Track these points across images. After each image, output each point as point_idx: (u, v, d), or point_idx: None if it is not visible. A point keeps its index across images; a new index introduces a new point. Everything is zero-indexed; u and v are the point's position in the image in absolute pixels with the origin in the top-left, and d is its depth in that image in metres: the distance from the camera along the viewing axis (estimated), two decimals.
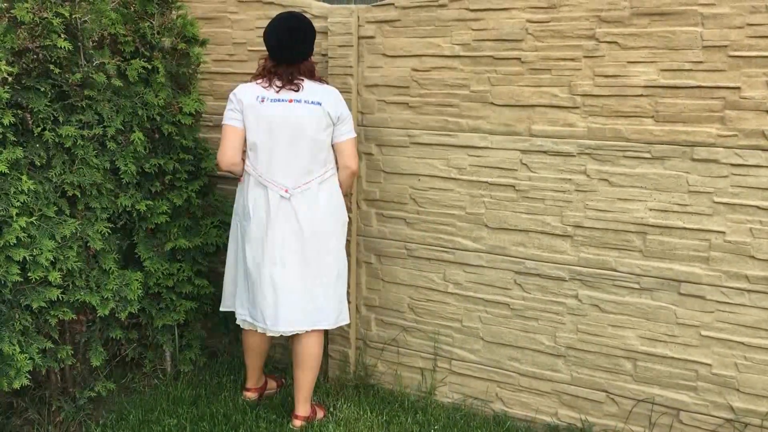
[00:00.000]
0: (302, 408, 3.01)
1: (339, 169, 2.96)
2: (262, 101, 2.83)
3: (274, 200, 2.84)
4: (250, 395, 3.23)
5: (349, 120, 2.91)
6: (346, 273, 3.05)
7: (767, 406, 2.65)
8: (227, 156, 2.86)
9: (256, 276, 2.89)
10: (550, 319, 2.98)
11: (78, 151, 2.78)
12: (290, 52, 2.83)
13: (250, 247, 2.90)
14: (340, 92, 3.08)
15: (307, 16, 3.23)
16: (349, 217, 3.29)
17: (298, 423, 3.00)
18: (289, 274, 2.86)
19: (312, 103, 2.83)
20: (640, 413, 2.87)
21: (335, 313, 2.99)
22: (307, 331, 2.95)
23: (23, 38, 2.60)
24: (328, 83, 2.99)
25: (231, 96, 2.88)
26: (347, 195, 3.17)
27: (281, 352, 3.62)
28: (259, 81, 2.89)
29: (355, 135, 2.95)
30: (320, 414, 3.11)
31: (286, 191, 2.83)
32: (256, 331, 3.01)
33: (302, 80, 2.87)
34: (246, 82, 2.95)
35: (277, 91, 2.84)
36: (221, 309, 3.14)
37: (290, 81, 2.85)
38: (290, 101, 2.83)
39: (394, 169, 3.21)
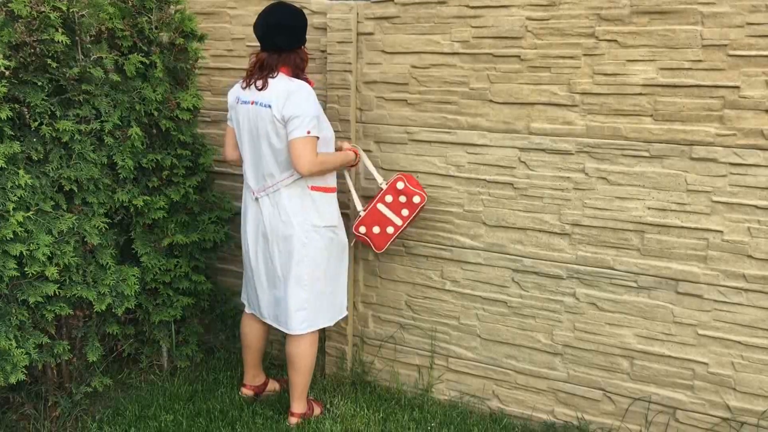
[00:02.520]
0: (296, 405, 3.02)
1: None
2: (237, 102, 2.87)
3: (249, 200, 2.95)
4: (246, 392, 3.23)
5: (299, 118, 2.69)
6: (321, 279, 2.91)
7: (763, 405, 2.66)
8: (225, 153, 3.04)
9: (247, 269, 3.07)
10: (548, 317, 2.98)
11: (75, 145, 2.77)
12: (270, 38, 2.77)
13: (243, 242, 3.06)
14: (339, 89, 3.08)
15: (306, 12, 3.23)
16: (347, 214, 3.28)
17: (293, 420, 3.00)
18: (260, 271, 2.98)
19: (264, 106, 2.75)
20: (637, 412, 2.87)
21: (302, 319, 2.90)
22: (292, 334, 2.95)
23: (20, 32, 2.59)
24: (306, 80, 2.82)
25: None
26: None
27: (278, 349, 3.62)
28: (243, 79, 2.87)
29: (305, 134, 2.69)
30: (317, 410, 3.11)
31: (253, 193, 2.90)
32: (251, 321, 3.13)
33: (274, 76, 2.77)
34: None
35: (247, 90, 2.80)
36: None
37: (263, 76, 2.77)
38: (252, 103, 2.79)
39: (392, 166, 3.20)
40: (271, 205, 2.86)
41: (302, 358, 2.96)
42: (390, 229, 3.02)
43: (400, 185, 3.00)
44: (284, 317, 2.92)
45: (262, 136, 2.78)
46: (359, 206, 3.09)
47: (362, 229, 3.04)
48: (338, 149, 3.03)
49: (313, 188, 2.86)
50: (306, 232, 2.84)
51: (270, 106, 2.73)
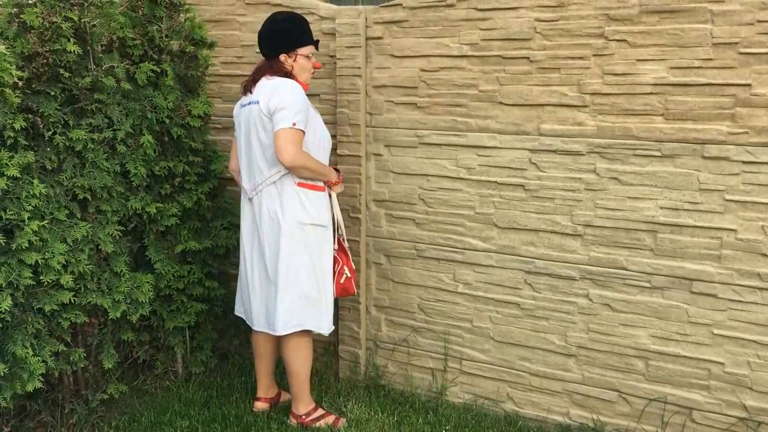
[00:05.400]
0: (295, 406, 3.05)
1: None
2: (240, 108, 2.93)
3: (245, 203, 2.98)
4: (260, 405, 3.17)
5: (284, 110, 2.70)
6: (307, 279, 2.87)
7: None
8: (230, 164, 3.10)
9: (241, 276, 3.08)
10: (561, 318, 2.97)
11: (88, 154, 2.80)
12: (260, 45, 2.90)
13: (240, 247, 3.06)
14: (348, 93, 3.09)
15: (315, 17, 3.24)
16: (358, 218, 3.29)
17: (292, 420, 3.05)
18: (254, 275, 2.97)
19: (252, 103, 2.83)
20: (653, 412, 2.86)
21: (287, 319, 2.87)
22: (282, 336, 2.94)
23: (33, 43, 2.62)
24: (293, 80, 2.82)
25: None
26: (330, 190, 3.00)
27: None
28: None
29: (290, 125, 2.69)
30: (333, 421, 3.05)
31: (248, 193, 2.93)
32: (257, 332, 3.10)
33: (261, 79, 2.86)
34: None
35: (246, 95, 2.89)
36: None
37: (254, 80, 2.88)
38: (249, 104, 2.87)
39: (403, 170, 3.20)
40: (261, 204, 2.87)
41: (291, 363, 2.96)
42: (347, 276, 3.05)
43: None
44: (272, 318, 2.90)
45: (252, 133, 2.83)
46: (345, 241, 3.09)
47: (353, 266, 3.05)
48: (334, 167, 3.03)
49: (300, 184, 2.84)
50: (291, 229, 2.83)
51: (258, 102, 2.80)
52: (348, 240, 3.31)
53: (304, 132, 2.76)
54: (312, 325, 2.92)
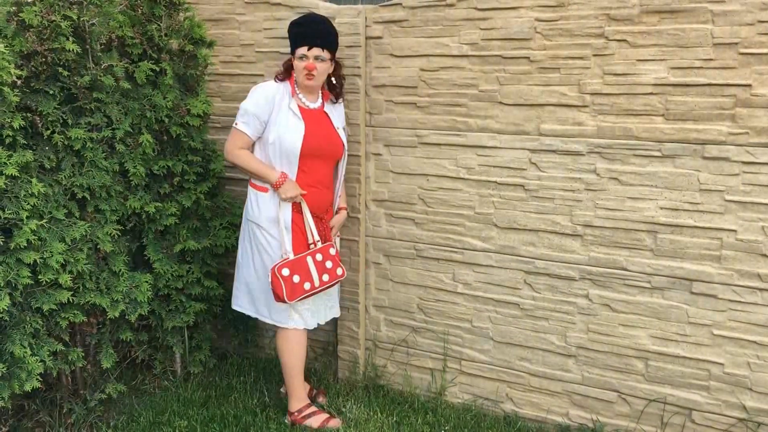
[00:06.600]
0: (288, 403, 3.10)
1: None
2: None
3: None
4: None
5: (238, 111, 2.92)
6: (243, 267, 3.05)
7: None
8: None
9: None
10: (561, 318, 2.97)
11: (87, 153, 2.79)
12: None
13: None
14: (348, 92, 3.07)
15: None
16: (357, 218, 3.28)
17: (288, 419, 3.09)
18: None
19: None
20: (652, 413, 2.86)
21: (236, 297, 3.13)
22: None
23: (32, 41, 2.61)
24: (270, 82, 2.94)
25: None
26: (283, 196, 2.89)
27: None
28: None
29: (234, 125, 2.91)
30: (325, 419, 3.06)
31: None
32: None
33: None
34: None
35: None
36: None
37: None
38: None
39: (403, 170, 3.20)
40: None
41: (279, 354, 3.07)
42: (307, 285, 2.86)
43: (332, 251, 2.96)
44: None
45: None
46: (287, 245, 2.89)
47: (285, 272, 2.81)
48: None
49: (250, 183, 3.01)
50: (244, 223, 3.05)
51: None
52: (347, 239, 3.31)
53: (246, 134, 2.90)
54: (256, 313, 3.06)
